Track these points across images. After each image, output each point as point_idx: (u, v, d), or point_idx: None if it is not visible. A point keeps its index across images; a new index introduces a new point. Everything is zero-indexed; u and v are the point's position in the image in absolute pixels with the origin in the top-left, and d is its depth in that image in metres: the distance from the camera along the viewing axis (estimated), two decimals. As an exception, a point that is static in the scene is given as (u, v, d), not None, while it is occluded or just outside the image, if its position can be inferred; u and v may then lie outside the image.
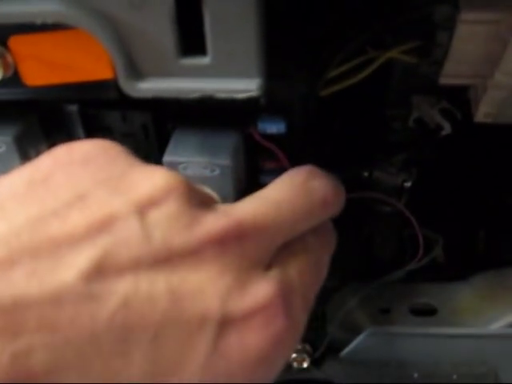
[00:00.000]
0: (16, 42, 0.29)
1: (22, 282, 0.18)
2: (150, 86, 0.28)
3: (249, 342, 0.22)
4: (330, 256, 0.29)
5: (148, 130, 0.36)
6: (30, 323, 0.18)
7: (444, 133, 0.45)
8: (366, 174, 0.51)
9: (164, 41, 0.27)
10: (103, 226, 0.21)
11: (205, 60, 0.27)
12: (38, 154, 0.34)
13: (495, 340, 0.45)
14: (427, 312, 0.48)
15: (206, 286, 0.21)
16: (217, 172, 0.33)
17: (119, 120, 0.36)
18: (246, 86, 0.27)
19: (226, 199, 0.35)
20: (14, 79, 0.30)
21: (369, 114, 0.48)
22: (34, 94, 0.31)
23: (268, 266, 0.25)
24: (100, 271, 0.20)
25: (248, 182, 0.37)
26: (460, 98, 0.42)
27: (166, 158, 0.34)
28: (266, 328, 0.22)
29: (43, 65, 0.30)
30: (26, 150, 0.36)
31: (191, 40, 0.27)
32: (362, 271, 0.51)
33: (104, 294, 0.19)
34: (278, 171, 0.37)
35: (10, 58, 0.29)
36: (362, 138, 0.50)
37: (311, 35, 0.38)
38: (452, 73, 0.37)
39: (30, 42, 0.29)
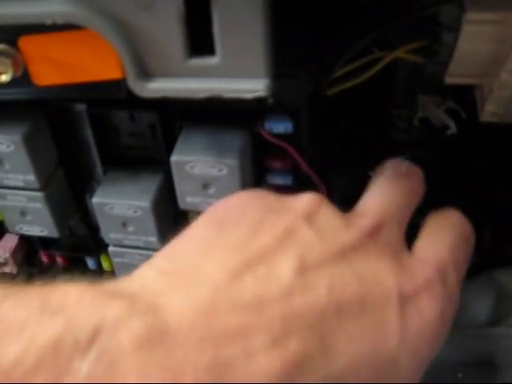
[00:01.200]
0: (26, 43, 0.29)
1: (256, 286, 0.24)
2: (158, 86, 0.28)
3: (425, 313, 0.26)
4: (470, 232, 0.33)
5: (155, 130, 0.37)
6: (275, 314, 0.23)
7: (449, 132, 0.45)
8: (371, 173, 0.49)
9: (173, 41, 0.27)
10: (287, 237, 0.26)
11: (213, 60, 0.27)
12: (46, 153, 0.35)
13: (501, 339, 0.45)
14: None
15: (377, 267, 0.26)
16: (224, 171, 0.34)
17: (127, 120, 0.36)
18: (253, 86, 0.27)
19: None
20: (24, 79, 0.30)
21: (374, 113, 0.48)
22: (43, 94, 0.31)
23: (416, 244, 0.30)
24: (304, 269, 0.25)
25: (255, 182, 0.37)
26: (465, 98, 0.42)
27: (174, 157, 0.34)
28: (434, 300, 0.27)
29: (52, 65, 0.30)
30: (35, 149, 0.37)
31: (200, 40, 0.27)
32: None
33: (315, 284, 0.24)
34: (285, 171, 0.37)
35: (19, 58, 0.30)
36: (368, 138, 0.50)
37: (318, 35, 0.38)
38: (458, 72, 0.37)
39: (40, 42, 0.29)
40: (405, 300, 0.26)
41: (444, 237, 0.31)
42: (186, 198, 0.37)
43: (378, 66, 0.40)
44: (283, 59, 0.31)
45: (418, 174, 0.35)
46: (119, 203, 0.37)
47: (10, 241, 0.48)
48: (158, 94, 0.28)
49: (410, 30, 0.39)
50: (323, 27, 0.39)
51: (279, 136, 0.35)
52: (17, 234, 0.46)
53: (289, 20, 0.35)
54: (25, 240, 0.48)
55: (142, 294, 0.23)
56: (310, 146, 0.37)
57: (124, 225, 0.38)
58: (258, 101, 0.28)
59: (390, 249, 0.28)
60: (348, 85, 0.40)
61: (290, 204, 0.29)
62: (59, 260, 0.48)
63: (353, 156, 0.51)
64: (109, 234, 0.39)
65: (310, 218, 0.27)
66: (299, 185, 0.38)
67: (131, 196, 0.37)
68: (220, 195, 0.35)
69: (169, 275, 0.24)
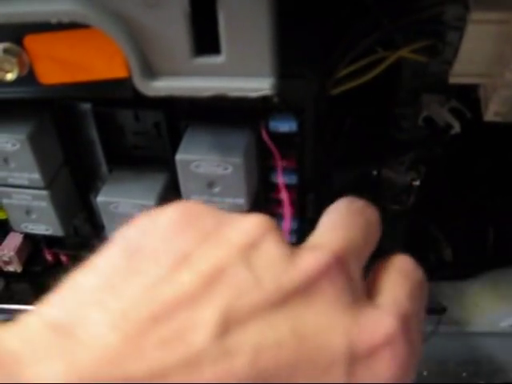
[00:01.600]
0: (31, 41, 0.29)
1: (156, 354, 0.19)
2: (164, 85, 0.28)
3: (381, 376, 0.22)
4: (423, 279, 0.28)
5: (160, 129, 0.37)
6: None
7: (453, 132, 0.45)
8: (375, 172, 0.51)
9: (178, 40, 0.27)
10: (215, 279, 0.21)
11: (219, 59, 0.27)
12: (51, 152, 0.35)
13: (505, 338, 0.45)
14: (436, 310, 0.48)
15: (325, 323, 0.22)
16: (229, 170, 0.34)
17: (132, 118, 0.37)
18: (259, 85, 0.27)
19: (238, 196, 0.35)
20: (30, 78, 0.30)
21: (378, 112, 0.48)
22: (49, 93, 0.31)
23: (370, 294, 0.25)
24: (227, 325, 0.20)
25: (260, 181, 0.37)
26: (469, 97, 0.42)
27: (179, 156, 0.35)
28: (394, 359, 0.22)
29: (58, 64, 0.30)
30: (40, 148, 0.37)
31: (205, 39, 0.27)
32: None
33: (236, 348, 0.20)
34: (289, 170, 0.37)
35: (25, 57, 0.30)
36: (372, 137, 0.50)
37: (322, 34, 0.38)
38: (462, 72, 0.37)
39: (46, 41, 0.29)
40: (355, 361, 0.22)
41: (401, 285, 0.26)
42: (191, 197, 0.37)
43: (382, 66, 0.40)
44: (289, 58, 0.31)
45: (374, 213, 0.29)
46: (124, 202, 0.37)
47: (15, 239, 0.48)
48: (164, 93, 0.28)
49: (414, 29, 0.39)
50: (328, 27, 0.39)
51: (284, 135, 0.35)
52: (21, 233, 0.46)
53: (294, 19, 0.35)
54: (29, 239, 0.48)
55: (12, 356, 0.19)
56: (314, 145, 0.37)
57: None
58: (263, 100, 0.28)
59: (346, 294, 0.23)
60: (352, 84, 0.40)
61: (229, 231, 0.23)
62: (63, 259, 0.48)
63: (357, 155, 0.51)
64: (113, 234, 0.39)
65: (248, 252, 0.22)
66: (304, 184, 0.38)
67: (136, 195, 0.38)
68: (225, 194, 0.35)
69: (52, 329, 0.19)
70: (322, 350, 0.21)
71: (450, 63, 0.37)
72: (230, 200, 0.36)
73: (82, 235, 0.46)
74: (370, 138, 0.50)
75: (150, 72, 0.28)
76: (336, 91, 0.40)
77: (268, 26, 0.26)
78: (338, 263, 0.23)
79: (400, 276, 0.26)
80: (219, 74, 0.28)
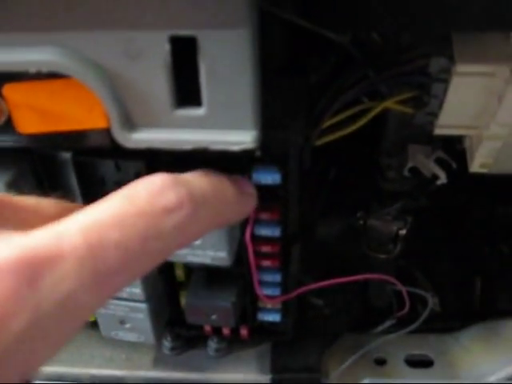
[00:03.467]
0: (10, 90, 0.28)
1: None
2: (143, 137, 0.28)
3: None
4: None
5: (142, 179, 0.36)
6: None
7: (439, 182, 0.44)
8: (361, 222, 0.51)
9: (159, 91, 0.26)
10: None
11: (200, 111, 0.27)
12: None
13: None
14: (423, 364, 0.47)
15: None
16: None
17: (113, 168, 0.36)
18: (241, 138, 0.27)
19: (219, 249, 0.34)
20: (8, 127, 0.30)
21: (364, 163, 0.48)
22: (28, 142, 0.31)
23: None
24: None
25: (242, 233, 0.36)
26: (455, 148, 0.42)
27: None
28: None
29: (37, 113, 0.29)
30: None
31: (186, 91, 0.27)
32: (358, 321, 0.51)
33: None
34: (273, 222, 0.36)
35: (3, 106, 0.29)
36: (357, 187, 0.50)
37: (307, 86, 0.37)
38: (447, 123, 0.37)
39: (24, 90, 0.28)
40: None
41: None
42: None
43: (368, 116, 0.40)
44: (272, 109, 0.31)
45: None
46: None
47: None
48: (143, 145, 0.28)
49: (400, 81, 0.39)
50: (313, 78, 0.39)
51: (267, 187, 0.34)
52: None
53: (278, 70, 0.35)
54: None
55: None
56: (298, 197, 0.36)
57: None
58: (246, 152, 0.27)
59: None
60: (337, 135, 0.40)
61: None
62: None
63: (342, 205, 0.51)
64: None
65: None
66: (288, 236, 0.38)
67: None
68: (207, 247, 0.34)
69: None
70: None
71: (435, 115, 0.37)
72: (211, 253, 0.35)
73: None
74: (355, 188, 0.50)
75: (130, 124, 0.28)
76: (321, 141, 0.39)
77: (251, 78, 0.26)
78: None
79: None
80: (200, 126, 0.27)
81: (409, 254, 0.52)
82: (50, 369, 0.48)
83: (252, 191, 0.30)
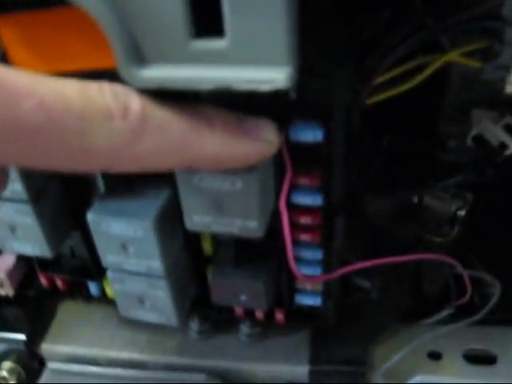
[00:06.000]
0: (4, 23, 0.25)
1: None
2: (155, 74, 0.23)
3: None
4: None
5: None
6: None
7: (508, 152, 0.42)
8: (415, 199, 0.47)
9: (173, 19, 0.22)
10: None
11: (222, 43, 0.22)
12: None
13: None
14: (485, 360, 0.42)
15: None
16: (238, 185, 0.28)
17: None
18: (271, 75, 0.22)
19: (248, 217, 0.30)
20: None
21: (421, 129, 0.45)
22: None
23: None
24: None
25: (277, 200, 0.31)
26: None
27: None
28: None
29: (35, 50, 0.26)
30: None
31: (206, 18, 0.22)
32: (410, 309, 0.47)
33: None
34: (314, 189, 0.32)
35: (-1, 42, 0.26)
36: (413, 158, 0.46)
37: (359, 32, 0.33)
38: (523, 79, 0.33)
39: (20, 22, 0.25)
40: None
41: None
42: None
43: (427, 72, 0.36)
44: (315, 52, 0.26)
45: None
46: (117, 221, 0.32)
47: (7, 260, 0.44)
48: (155, 84, 0.23)
49: (465, 28, 0.34)
50: (367, 24, 0.34)
51: (307, 146, 0.30)
52: (11, 253, 0.42)
53: (327, 12, 0.30)
54: (23, 260, 0.44)
55: None
56: (343, 161, 0.32)
57: (124, 246, 0.33)
58: (278, 94, 0.22)
59: None
60: (391, 93, 0.36)
61: None
62: (60, 283, 0.43)
63: (394, 178, 0.47)
64: (107, 257, 0.34)
65: None
66: (330, 207, 0.33)
67: (131, 213, 0.32)
68: (234, 214, 0.30)
69: None
70: None
71: (507, 68, 0.34)
72: (239, 221, 0.30)
73: (79, 258, 0.41)
74: (410, 159, 0.46)
75: (139, 59, 0.23)
76: (372, 101, 0.36)
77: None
78: None
79: None
80: (222, 61, 0.22)
81: (468, 237, 0.47)
82: (64, 348, 0.45)
83: (266, 136, 0.26)
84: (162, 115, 0.23)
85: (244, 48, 0.22)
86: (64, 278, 0.43)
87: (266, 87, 0.22)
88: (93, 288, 0.43)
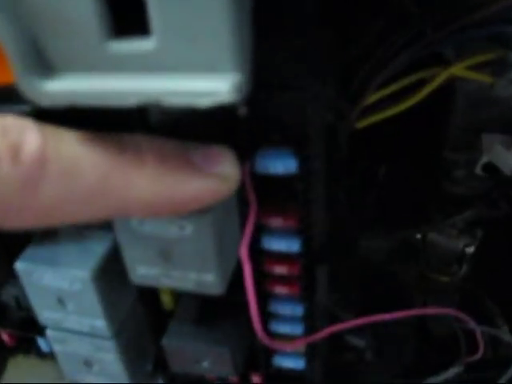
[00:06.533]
0: None
1: None
2: (64, 87, 0.18)
3: None
4: None
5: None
6: None
7: None
8: (418, 236, 0.47)
9: (83, 13, 0.17)
10: None
11: (147, 44, 0.17)
12: None
13: None
14: None
15: None
16: (187, 230, 0.23)
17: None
18: (211, 86, 0.17)
19: (203, 269, 0.24)
20: None
21: (423, 157, 0.42)
22: None
23: None
24: None
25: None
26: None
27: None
28: None
29: None
30: None
31: (127, 12, 0.17)
32: (414, 365, 0.44)
33: None
34: (289, 231, 0.27)
35: None
36: (415, 190, 0.44)
37: (348, 43, 0.31)
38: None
39: None
40: None
41: None
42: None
43: (427, 90, 0.32)
44: (292, 62, 0.23)
45: None
46: (50, 271, 0.27)
47: None
48: (64, 101, 0.18)
49: (472, 34, 0.31)
50: (357, 34, 0.32)
51: (278, 179, 0.25)
52: None
53: (313, 12, 0.26)
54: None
55: None
56: (326, 197, 0.27)
57: (61, 301, 0.28)
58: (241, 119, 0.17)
59: None
60: (386, 115, 0.33)
61: None
62: (6, 338, 0.39)
63: (395, 214, 0.44)
64: (43, 313, 0.30)
65: None
66: (311, 253, 0.28)
67: (67, 262, 0.28)
68: (186, 266, 0.24)
69: None
70: None
71: None
72: (193, 275, 0.25)
73: (27, 308, 0.36)
74: (411, 192, 0.44)
75: (42, 67, 0.18)
76: (364, 124, 0.32)
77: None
78: None
79: None
80: (149, 68, 0.17)
81: (477, 277, 0.47)
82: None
83: (222, 170, 0.21)
84: (70, 154, 0.19)
85: (175, 50, 0.17)
86: (10, 332, 0.38)
87: (204, 101, 0.17)
88: (43, 344, 0.38)
